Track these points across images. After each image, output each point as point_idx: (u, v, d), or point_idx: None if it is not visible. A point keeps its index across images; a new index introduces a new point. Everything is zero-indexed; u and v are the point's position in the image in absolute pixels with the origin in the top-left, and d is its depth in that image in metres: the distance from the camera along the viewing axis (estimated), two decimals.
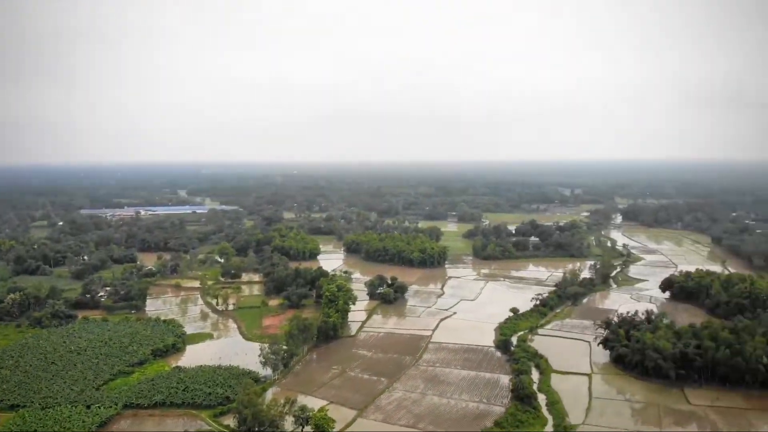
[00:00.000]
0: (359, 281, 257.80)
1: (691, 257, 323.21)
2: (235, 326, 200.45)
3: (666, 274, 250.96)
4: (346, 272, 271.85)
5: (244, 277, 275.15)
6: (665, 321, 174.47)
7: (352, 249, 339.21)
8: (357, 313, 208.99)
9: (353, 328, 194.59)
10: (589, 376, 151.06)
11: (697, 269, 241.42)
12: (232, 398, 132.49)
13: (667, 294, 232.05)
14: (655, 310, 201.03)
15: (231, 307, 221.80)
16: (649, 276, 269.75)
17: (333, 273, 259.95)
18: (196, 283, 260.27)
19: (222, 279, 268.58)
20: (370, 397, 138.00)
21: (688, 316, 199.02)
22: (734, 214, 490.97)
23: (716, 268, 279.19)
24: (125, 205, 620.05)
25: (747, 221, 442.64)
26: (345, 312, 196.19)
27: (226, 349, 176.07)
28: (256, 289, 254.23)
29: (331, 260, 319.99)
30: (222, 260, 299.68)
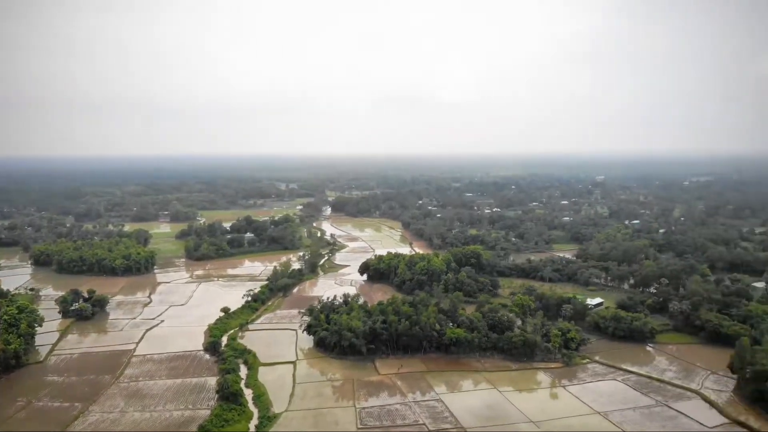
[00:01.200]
0: (50, 298, 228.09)
1: (386, 242, 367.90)
2: None
3: (365, 258, 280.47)
4: (32, 289, 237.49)
5: None
6: (359, 302, 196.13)
7: (41, 261, 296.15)
8: (47, 335, 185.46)
9: (42, 352, 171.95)
10: (294, 363, 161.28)
11: (388, 252, 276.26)
12: None
13: (365, 276, 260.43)
14: (354, 292, 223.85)
15: None
16: (351, 261, 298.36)
17: (15, 292, 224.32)
18: None
19: None
20: (62, 426, 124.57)
21: (381, 295, 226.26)
22: (420, 201, 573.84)
23: (405, 249, 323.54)
24: None
25: (430, 207, 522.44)
26: (30, 336, 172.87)
27: None
28: None
29: (15, 276, 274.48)
30: None
